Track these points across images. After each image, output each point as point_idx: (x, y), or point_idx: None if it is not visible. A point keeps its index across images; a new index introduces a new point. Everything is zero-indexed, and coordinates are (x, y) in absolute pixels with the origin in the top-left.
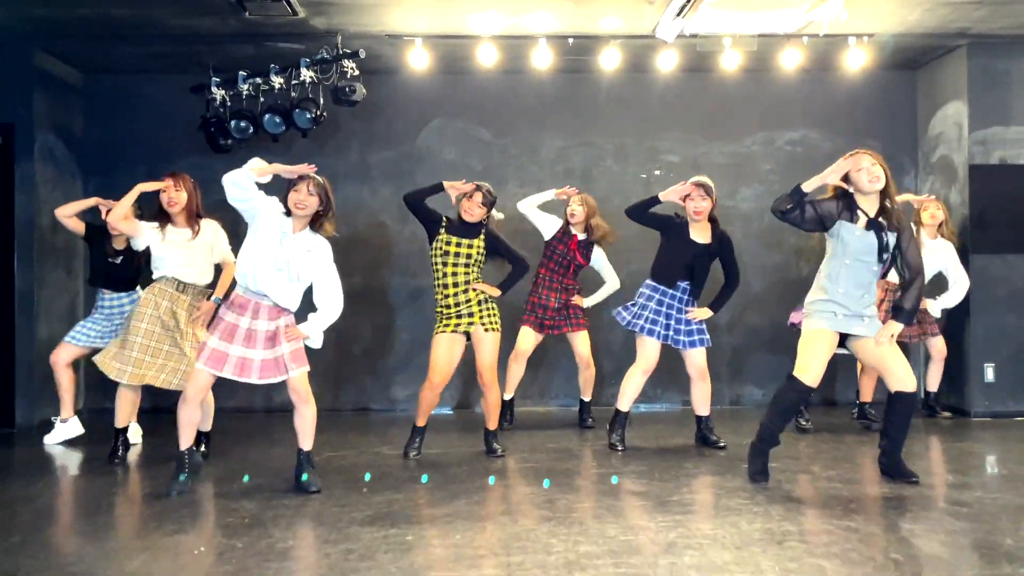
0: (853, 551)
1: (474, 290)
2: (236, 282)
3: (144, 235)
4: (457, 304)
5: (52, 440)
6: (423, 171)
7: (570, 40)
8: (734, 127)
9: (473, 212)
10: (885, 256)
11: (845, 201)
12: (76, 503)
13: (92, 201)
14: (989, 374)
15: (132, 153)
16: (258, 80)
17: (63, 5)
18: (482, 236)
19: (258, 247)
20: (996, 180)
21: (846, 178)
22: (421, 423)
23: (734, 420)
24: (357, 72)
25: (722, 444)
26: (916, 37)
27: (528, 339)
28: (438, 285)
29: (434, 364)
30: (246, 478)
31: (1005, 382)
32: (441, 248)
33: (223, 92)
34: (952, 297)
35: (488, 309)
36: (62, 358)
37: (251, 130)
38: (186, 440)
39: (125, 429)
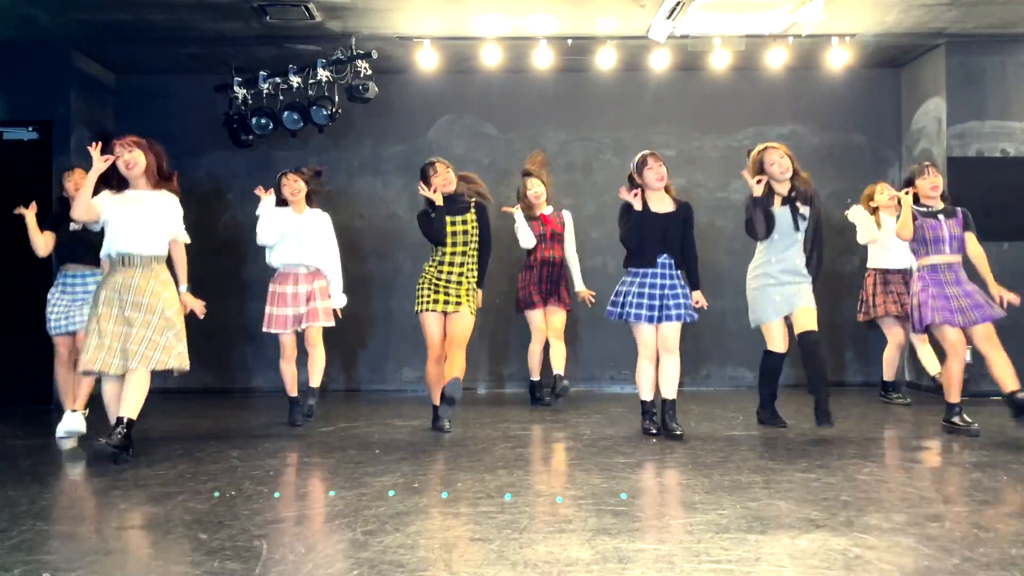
0: (809, 495)
1: (467, 281)
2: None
3: (104, 210)
4: (447, 284)
5: (60, 430)
6: None
7: (569, 41)
8: (726, 122)
9: (448, 180)
10: (800, 224)
11: (767, 189)
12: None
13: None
14: (967, 355)
15: None
16: (278, 79)
17: (104, 11)
18: (472, 210)
19: (281, 236)
20: (972, 171)
21: (762, 169)
22: (437, 400)
23: (726, 399)
24: (370, 72)
25: (678, 433)
26: (896, 37)
27: (540, 319)
28: (433, 262)
29: (431, 342)
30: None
31: (982, 362)
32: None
33: (245, 91)
34: None
35: (471, 295)
36: (62, 354)
37: (271, 126)
38: (291, 390)
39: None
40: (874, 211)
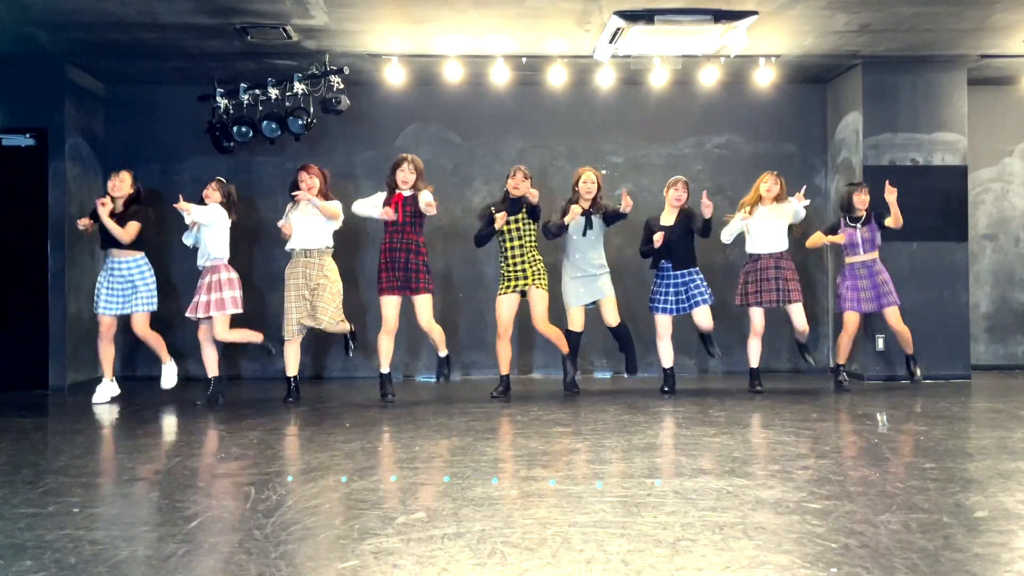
0: (708, 452)
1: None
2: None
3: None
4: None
5: (97, 399)
6: None
7: (523, 59)
8: (669, 132)
9: (518, 187)
10: (588, 231)
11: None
12: (118, 430)
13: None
14: (880, 344)
15: (147, 153)
16: (257, 91)
17: (99, 31)
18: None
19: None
20: (885, 179)
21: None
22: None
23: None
24: (342, 85)
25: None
26: (816, 58)
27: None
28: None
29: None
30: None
31: (893, 350)
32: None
33: (226, 101)
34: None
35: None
36: (105, 330)
37: (251, 134)
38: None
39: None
40: (758, 199)
